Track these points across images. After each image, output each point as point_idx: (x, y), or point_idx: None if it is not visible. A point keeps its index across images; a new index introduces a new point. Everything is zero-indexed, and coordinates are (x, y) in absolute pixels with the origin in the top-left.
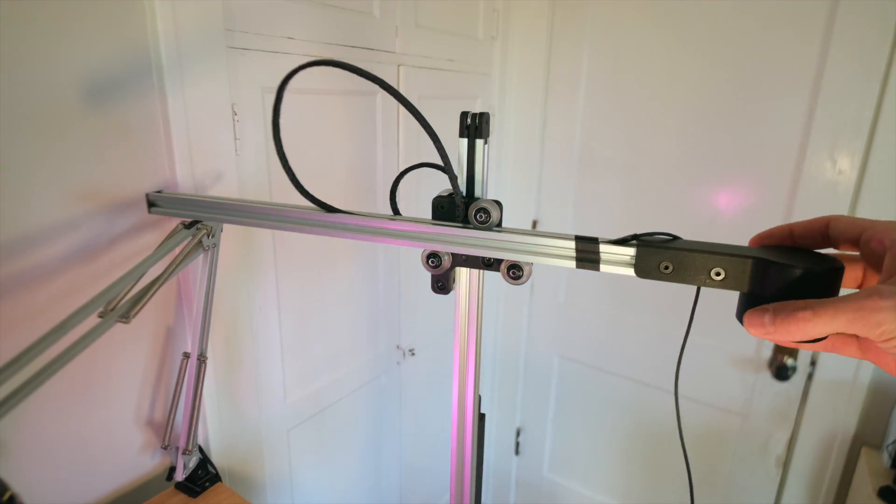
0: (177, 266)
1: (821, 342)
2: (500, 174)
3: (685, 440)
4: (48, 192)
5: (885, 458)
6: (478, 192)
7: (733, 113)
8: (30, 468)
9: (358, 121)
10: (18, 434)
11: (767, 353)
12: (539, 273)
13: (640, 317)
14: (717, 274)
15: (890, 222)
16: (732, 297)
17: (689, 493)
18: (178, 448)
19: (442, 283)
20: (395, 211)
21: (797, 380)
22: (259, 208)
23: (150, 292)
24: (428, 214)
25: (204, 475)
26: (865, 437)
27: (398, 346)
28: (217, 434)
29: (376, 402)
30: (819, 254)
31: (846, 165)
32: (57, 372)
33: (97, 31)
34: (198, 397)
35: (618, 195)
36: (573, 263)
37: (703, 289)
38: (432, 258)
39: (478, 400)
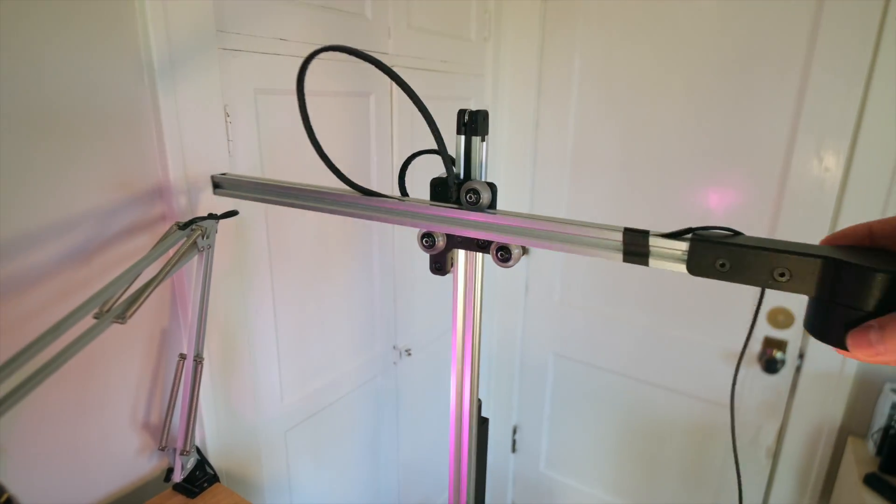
0: (172, 267)
1: None
2: (493, 176)
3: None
4: (38, 196)
5: (871, 446)
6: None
7: (723, 112)
8: (26, 471)
9: (352, 121)
10: (15, 436)
11: (757, 347)
12: (534, 272)
13: (632, 314)
14: (782, 275)
15: None
16: (721, 292)
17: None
18: (175, 449)
19: (439, 265)
20: (404, 192)
21: (786, 373)
22: (311, 191)
23: (146, 293)
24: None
25: (202, 476)
26: (852, 427)
27: (395, 347)
28: (214, 435)
29: (373, 403)
30: None
31: (832, 163)
32: (52, 374)
33: (86, 32)
34: (195, 398)
35: (610, 195)
36: (620, 257)
37: (689, 285)
38: (426, 237)
39: (478, 404)
